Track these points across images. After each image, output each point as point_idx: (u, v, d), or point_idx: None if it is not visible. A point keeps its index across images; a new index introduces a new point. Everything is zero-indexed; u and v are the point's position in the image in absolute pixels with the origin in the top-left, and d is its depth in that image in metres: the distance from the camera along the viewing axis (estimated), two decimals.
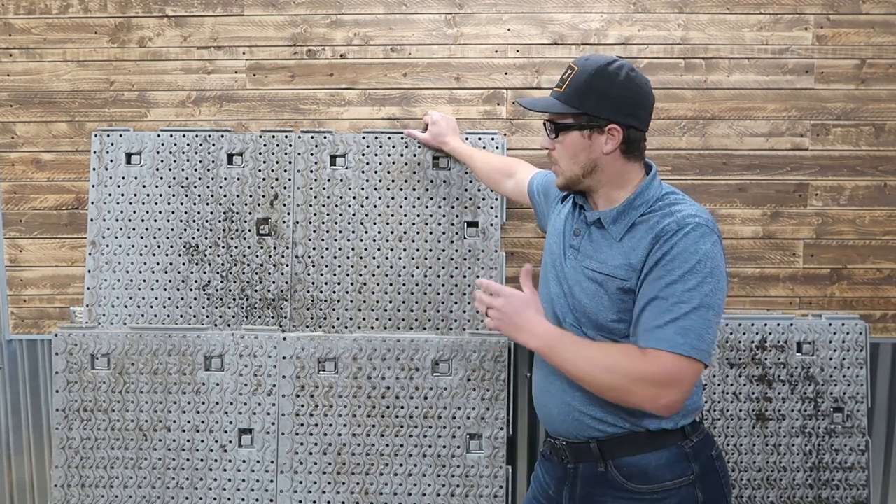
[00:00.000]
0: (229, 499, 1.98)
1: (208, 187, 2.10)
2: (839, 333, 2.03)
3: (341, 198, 2.09)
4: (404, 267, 2.08)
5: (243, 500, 1.97)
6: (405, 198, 2.09)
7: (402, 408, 1.97)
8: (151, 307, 2.08)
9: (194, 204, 2.10)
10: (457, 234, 2.08)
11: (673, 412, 1.30)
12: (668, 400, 1.27)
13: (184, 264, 2.09)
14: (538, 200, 1.72)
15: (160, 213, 2.10)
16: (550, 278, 1.46)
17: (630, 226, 1.35)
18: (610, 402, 1.34)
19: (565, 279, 1.42)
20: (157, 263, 2.09)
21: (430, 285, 2.07)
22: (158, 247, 2.09)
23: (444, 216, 2.08)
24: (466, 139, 2.09)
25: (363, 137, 2.10)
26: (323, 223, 2.08)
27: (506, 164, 1.91)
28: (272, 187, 2.09)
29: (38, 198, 2.21)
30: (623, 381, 1.27)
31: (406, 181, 2.09)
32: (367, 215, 2.09)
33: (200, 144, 2.10)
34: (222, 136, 2.10)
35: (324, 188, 2.09)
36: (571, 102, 1.36)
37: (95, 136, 2.11)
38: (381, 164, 2.09)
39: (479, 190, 2.07)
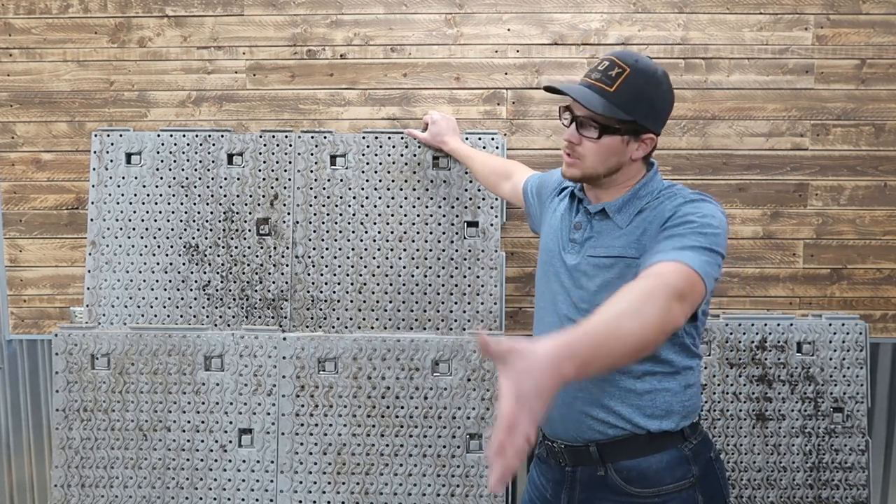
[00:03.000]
0: (229, 499, 1.98)
1: (208, 187, 2.10)
2: (839, 333, 2.03)
3: (341, 198, 2.09)
4: (404, 267, 2.08)
5: (243, 500, 1.97)
6: (405, 198, 2.09)
7: (402, 408, 1.97)
8: (151, 307, 2.08)
9: (194, 204, 2.10)
10: (457, 234, 2.08)
11: (681, 326, 1.19)
12: (685, 313, 1.15)
13: (184, 264, 2.09)
14: (531, 202, 1.72)
15: (160, 213, 2.10)
16: (550, 276, 1.46)
17: (638, 212, 1.36)
18: (618, 402, 1.33)
19: (567, 274, 1.41)
20: (157, 263, 2.09)
21: (430, 285, 2.07)
22: (158, 247, 2.09)
23: (444, 216, 2.08)
24: (466, 139, 2.09)
25: (363, 137, 2.10)
26: (323, 223, 2.08)
27: (504, 166, 1.91)
28: (272, 187, 2.09)
29: (38, 198, 2.21)
30: (657, 309, 1.09)
31: (406, 181, 2.09)
32: (367, 215, 2.09)
33: (200, 144, 2.10)
34: (222, 136, 2.10)
35: (324, 188, 2.09)
36: (623, 107, 1.31)
37: (95, 136, 2.11)
38: (381, 164, 2.09)
39: (479, 190, 2.07)
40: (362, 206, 2.09)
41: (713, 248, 1.24)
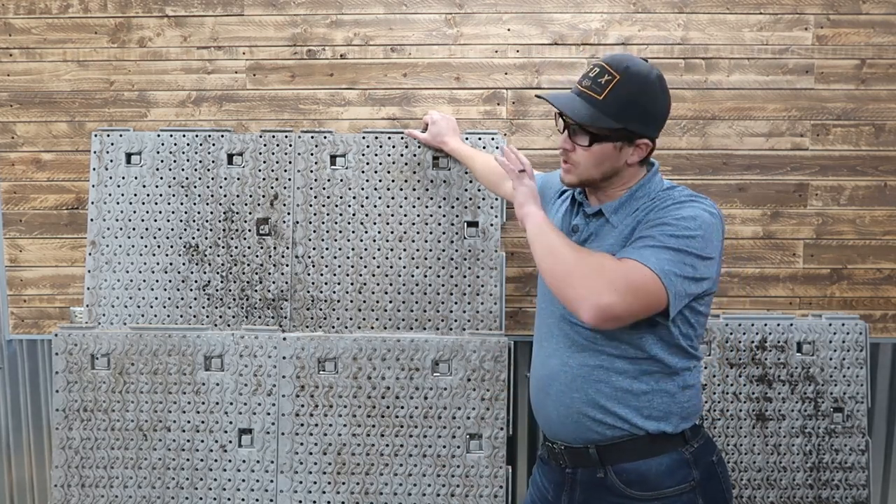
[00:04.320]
0: (229, 499, 1.98)
1: (208, 187, 2.10)
2: (839, 333, 2.03)
3: (341, 198, 2.09)
4: (404, 267, 2.08)
5: (243, 500, 1.97)
6: (405, 198, 2.09)
7: (402, 408, 1.97)
8: (151, 307, 2.08)
9: (194, 204, 2.10)
10: (457, 234, 2.08)
11: (598, 321, 1.22)
12: (606, 301, 1.20)
13: (184, 264, 2.09)
14: None
15: (160, 213, 2.10)
16: None
17: (632, 213, 1.36)
18: (617, 402, 1.34)
19: None
20: (157, 263, 2.09)
21: (430, 285, 2.07)
22: (158, 247, 2.09)
23: (444, 216, 2.08)
24: (466, 139, 2.09)
25: (363, 137, 2.10)
26: (323, 223, 2.08)
27: None
28: (272, 187, 2.09)
29: (38, 198, 2.21)
30: (582, 273, 1.23)
31: (406, 181, 2.09)
32: (367, 215, 2.09)
33: (200, 144, 2.10)
34: (222, 136, 2.10)
35: (324, 188, 2.09)
36: (613, 115, 1.29)
37: (95, 136, 2.11)
38: (381, 164, 2.09)
39: (479, 190, 2.07)
40: (362, 206, 2.09)
41: (683, 248, 1.24)
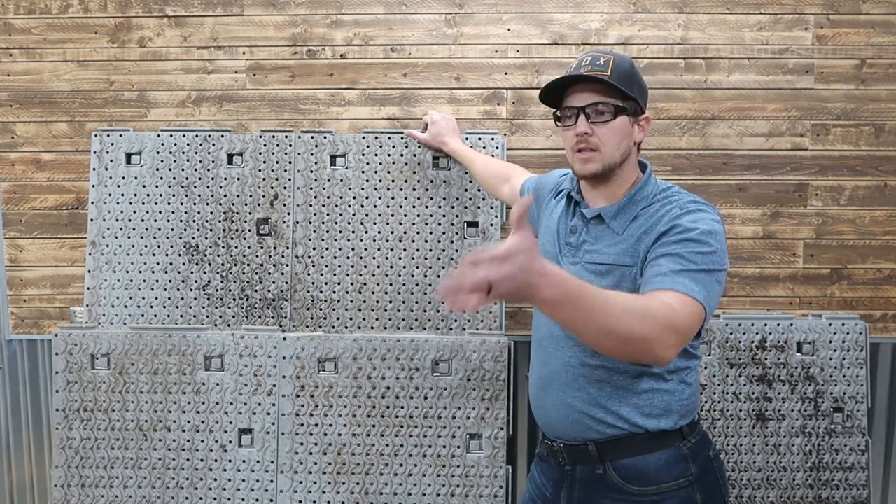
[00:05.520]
0: (229, 499, 1.98)
1: (208, 187, 2.10)
2: (839, 333, 2.03)
3: (341, 198, 2.09)
4: (404, 267, 2.08)
5: (243, 500, 1.97)
6: (405, 198, 2.09)
7: (402, 408, 1.97)
8: (151, 307, 2.08)
9: (194, 204, 2.10)
10: (457, 234, 2.08)
11: (668, 362, 1.19)
12: (677, 348, 1.17)
13: (184, 264, 2.09)
14: None
15: (160, 213, 2.10)
16: None
17: (632, 219, 1.36)
18: (617, 402, 1.34)
19: None
20: (157, 263, 2.09)
21: (430, 285, 2.07)
22: (158, 247, 2.09)
23: (444, 216, 2.08)
24: (466, 139, 2.09)
25: (363, 137, 2.10)
26: (323, 223, 2.08)
27: (503, 168, 1.91)
28: (272, 187, 2.09)
29: (38, 198, 2.21)
30: (654, 329, 1.12)
31: (406, 181, 2.09)
32: (367, 215, 2.09)
33: (200, 144, 2.10)
34: (222, 136, 2.10)
35: (324, 188, 2.09)
36: (624, 86, 1.34)
37: (95, 136, 2.11)
38: (381, 164, 2.09)
39: (478, 190, 2.07)
40: (362, 206, 2.09)
41: (714, 269, 1.25)
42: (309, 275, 2.08)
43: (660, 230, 1.30)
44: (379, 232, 2.08)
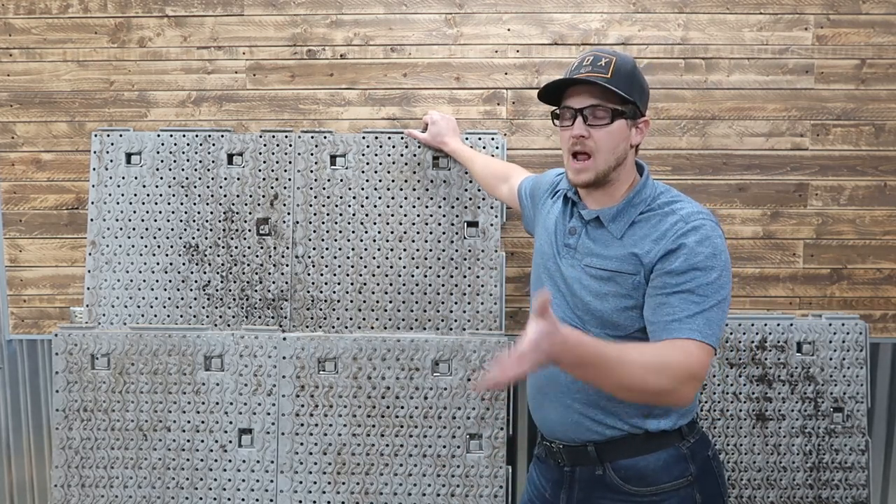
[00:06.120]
0: (229, 499, 1.98)
1: (208, 187, 2.10)
2: (839, 333, 2.03)
3: (341, 198, 2.09)
4: (404, 267, 2.08)
5: (243, 500, 1.97)
6: (405, 198, 2.09)
7: (402, 408, 1.97)
8: (151, 307, 2.08)
9: (194, 204, 2.10)
10: (457, 234, 2.08)
11: (689, 404, 1.27)
12: (695, 391, 1.23)
13: (184, 264, 2.09)
14: (525, 203, 1.72)
15: (160, 213, 2.10)
16: (544, 279, 1.46)
17: (630, 223, 1.35)
18: (617, 403, 1.34)
19: (562, 279, 1.41)
20: (157, 263, 2.09)
21: (430, 285, 2.07)
22: (158, 247, 2.09)
23: (444, 216, 2.08)
24: (466, 139, 2.09)
25: (363, 137, 2.10)
26: (323, 223, 2.08)
27: (503, 169, 1.91)
28: (272, 187, 2.09)
29: (38, 198, 2.21)
30: (672, 382, 1.18)
31: (406, 181, 2.09)
32: (367, 215, 2.09)
33: (200, 144, 2.10)
34: (222, 136, 2.10)
35: (324, 188, 2.09)
36: (623, 89, 1.32)
37: (95, 136, 2.11)
38: (381, 164, 2.09)
39: (478, 190, 2.07)
40: (362, 206, 2.09)
41: (723, 296, 1.27)
42: (309, 275, 2.08)
43: (666, 247, 1.29)
44: (379, 232, 2.08)
